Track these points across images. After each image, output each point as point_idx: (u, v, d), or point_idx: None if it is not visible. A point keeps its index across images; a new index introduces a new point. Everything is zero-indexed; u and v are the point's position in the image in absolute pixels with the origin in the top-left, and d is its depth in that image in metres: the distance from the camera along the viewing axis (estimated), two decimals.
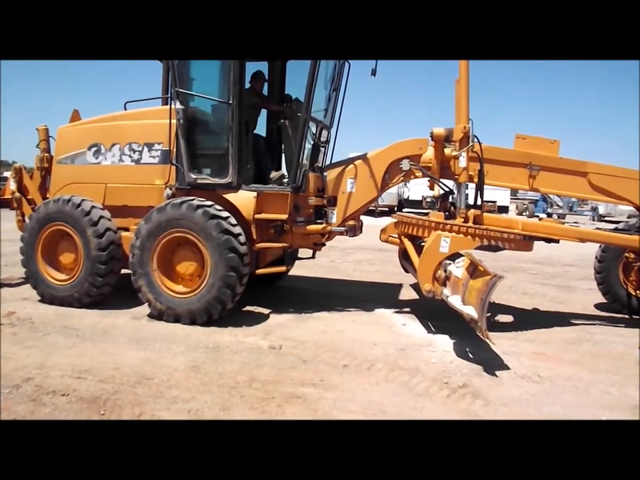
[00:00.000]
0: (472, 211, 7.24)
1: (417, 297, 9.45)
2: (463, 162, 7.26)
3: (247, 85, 8.06)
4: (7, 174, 40.03)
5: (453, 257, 6.92)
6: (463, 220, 7.18)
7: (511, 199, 43.90)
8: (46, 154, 9.45)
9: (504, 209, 38.47)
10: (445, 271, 6.75)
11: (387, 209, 31.76)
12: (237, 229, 7.08)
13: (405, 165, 7.79)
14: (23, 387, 5.07)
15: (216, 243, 6.93)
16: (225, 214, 7.10)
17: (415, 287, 9.96)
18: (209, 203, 7.16)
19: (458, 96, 7.36)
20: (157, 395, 4.98)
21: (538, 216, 32.26)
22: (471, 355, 6.31)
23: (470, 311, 5.86)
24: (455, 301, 6.32)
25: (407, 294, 9.74)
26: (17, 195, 9.42)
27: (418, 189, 31.88)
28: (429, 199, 32.12)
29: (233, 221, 7.12)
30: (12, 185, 9.52)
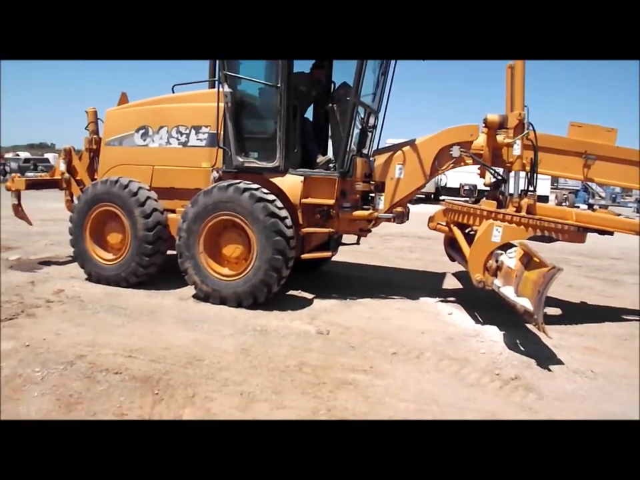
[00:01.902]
0: (525, 200, 7.09)
1: (461, 286, 9.37)
2: (517, 150, 7.10)
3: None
4: (47, 155, 40.87)
5: (504, 247, 6.81)
6: (515, 209, 7.04)
7: (551, 188, 43.15)
8: (94, 136, 9.56)
9: (544, 199, 37.76)
10: (497, 261, 6.65)
11: (423, 196, 31.54)
12: (284, 212, 7.07)
13: (455, 151, 7.68)
14: (77, 364, 5.15)
15: (262, 225, 6.93)
16: (271, 197, 7.10)
17: (459, 275, 9.91)
18: (256, 186, 7.16)
19: (513, 82, 7.22)
20: (209, 376, 5.02)
21: (578, 206, 31.75)
22: (520, 347, 6.22)
23: (525, 303, 5.77)
24: (508, 292, 6.23)
25: (451, 283, 9.65)
26: (66, 175, 9.55)
27: (456, 176, 31.51)
28: (466, 187, 31.75)
29: (280, 204, 7.11)
30: (61, 166, 9.65)
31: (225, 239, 7.41)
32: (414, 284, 9.26)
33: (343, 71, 8.59)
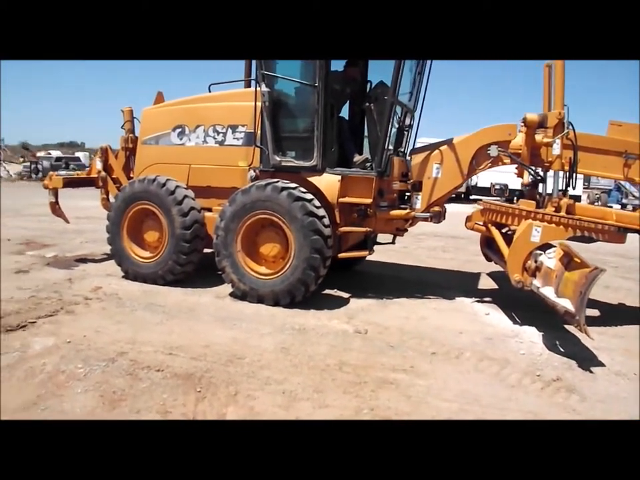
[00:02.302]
0: (564, 200, 7.00)
1: (497, 287, 9.29)
2: (557, 149, 7.02)
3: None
4: (78, 154, 41.18)
5: (543, 247, 6.74)
6: (554, 209, 6.96)
7: (583, 188, 42.57)
8: (130, 134, 9.65)
9: (576, 199, 37.20)
10: (536, 262, 6.58)
11: (453, 196, 31.31)
12: (321, 212, 7.06)
13: (493, 150, 7.60)
14: (119, 361, 5.20)
15: (300, 225, 6.93)
16: (309, 196, 7.09)
17: (494, 275, 9.83)
18: (294, 185, 7.16)
19: (551, 81, 7.15)
20: (250, 374, 5.03)
21: (611, 206, 31.29)
22: (560, 348, 6.14)
23: (566, 304, 5.70)
24: (548, 292, 6.16)
25: (486, 283, 9.56)
26: (103, 174, 9.66)
27: (486, 175, 31.20)
28: (497, 186, 31.41)
29: (317, 203, 7.11)
30: (98, 164, 9.75)
31: (262, 238, 7.43)
32: (449, 284, 9.19)
33: (378, 70, 8.61)
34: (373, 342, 6.09)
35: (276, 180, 7.24)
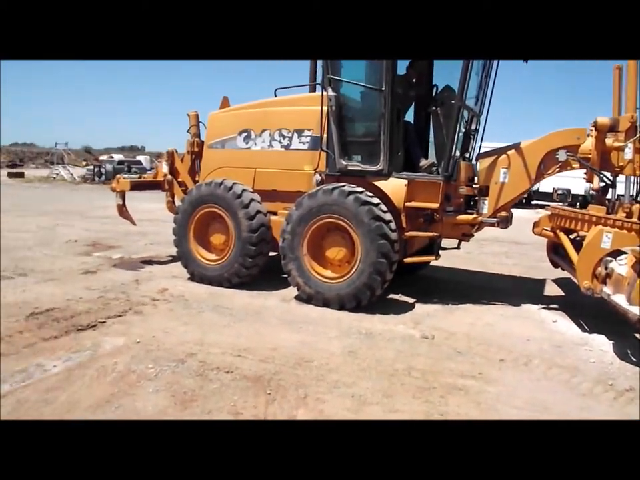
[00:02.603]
0: (636, 205, 6.82)
1: (563, 293, 9.11)
2: (629, 153, 6.83)
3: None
4: (139, 157, 41.97)
5: (614, 253, 6.57)
6: (626, 215, 6.78)
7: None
8: (196, 138, 9.80)
9: None
10: (606, 268, 6.41)
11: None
12: (388, 216, 7.04)
13: (562, 155, 7.45)
14: (188, 362, 5.27)
15: (367, 229, 6.92)
16: (375, 200, 7.08)
17: (559, 282, 9.66)
18: (360, 189, 7.16)
19: (621, 83, 6.99)
20: (319, 378, 5.03)
21: None
22: (632, 357, 5.99)
23: (638, 312, 5.56)
24: (619, 300, 6.00)
25: (552, 290, 9.38)
26: (169, 177, 9.83)
27: (549, 180, 30.54)
28: (560, 191, 30.86)
29: (384, 207, 7.09)
30: (164, 168, 9.93)
31: (328, 242, 7.45)
32: (514, 290, 9.06)
33: (443, 74, 8.57)
34: (440, 347, 6.05)
35: (342, 184, 7.25)
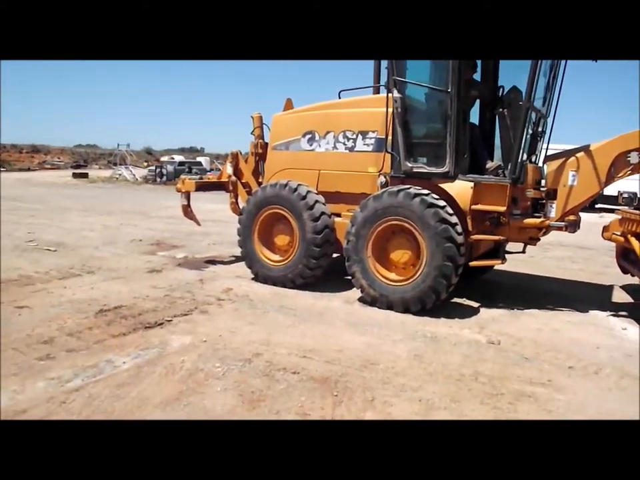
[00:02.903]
0: None
1: (632, 300, 8.86)
2: None
3: None
4: (199, 159, 42.54)
5: None
6: None
7: None
8: (260, 140, 9.86)
9: None
10: None
11: None
12: (454, 219, 6.96)
13: (634, 157, 7.24)
14: (255, 362, 5.32)
15: (433, 232, 6.87)
16: (442, 203, 7.01)
17: (628, 289, 9.39)
18: (426, 191, 7.11)
19: None
20: (385, 381, 5.02)
21: None
22: None
23: None
24: None
25: (620, 296, 9.11)
26: (233, 178, 9.92)
27: (613, 183, 29.43)
28: (625, 195, 30.00)
29: (450, 210, 7.02)
30: (228, 169, 10.04)
31: (392, 244, 7.42)
32: (580, 296, 8.85)
33: (508, 75, 8.44)
34: (506, 353, 5.96)
35: (408, 186, 7.21)
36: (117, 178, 42.07)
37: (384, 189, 7.37)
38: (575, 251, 13.78)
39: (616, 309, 8.11)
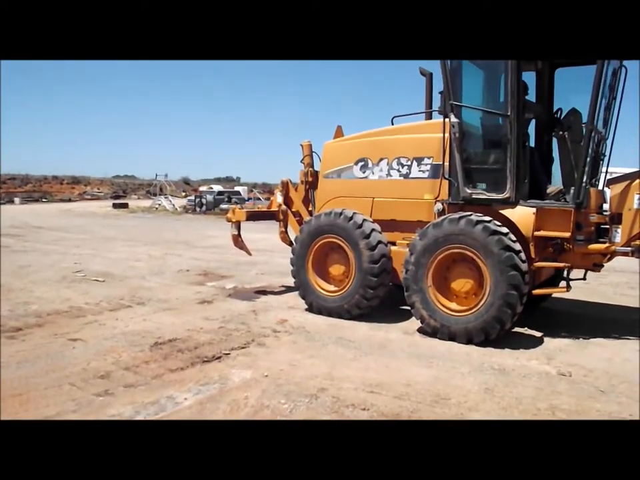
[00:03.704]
0: None
1: None
2: None
3: None
4: (237, 188, 42.76)
5: None
6: None
7: None
8: (310, 168, 9.78)
9: None
10: None
11: None
12: (518, 246, 6.76)
13: None
14: (321, 398, 5.14)
15: (497, 260, 6.66)
16: (505, 230, 6.82)
17: None
18: (488, 218, 6.91)
19: None
20: (459, 416, 4.82)
21: None
22: None
23: None
24: None
25: None
26: (283, 207, 9.84)
27: None
28: None
29: (513, 237, 6.82)
30: (279, 198, 9.97)
31: (453, 273, 7.22)
32: None
33: (563, 97, 8.29)
34: (579, 385, 5.70)
35: (469, 213, 7.02)
36: (157, 208, 42.50)
37: (444, 217, 7.19)
38: (630, 276, 13.38)
39: None
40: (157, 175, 55.00)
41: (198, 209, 38.44)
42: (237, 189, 49.92)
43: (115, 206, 43.13)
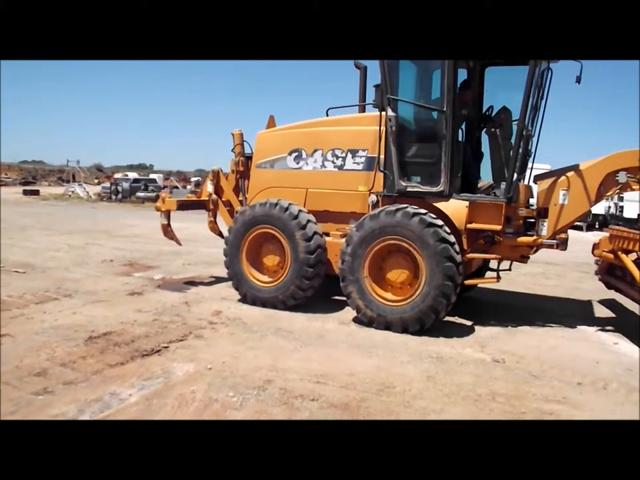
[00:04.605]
0: None
1: (614, 315, 9.00)
2: None
3: None
4: (153, 176, 41.76)
5: None
6: None
7: None
8: (241, 158, 9.70)
9: None
10: None
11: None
12: (452, 238, 6.95)
13: (622, 177, 7.35)
14: (269, 390, 5.14)
15: (433, 251, 6.83)
16: (440, 222, 7.00)
17: (607, 303, 9.58)
18: (424, 211, 7.08)
19: None
20: (406, 404, 4.93)
21: None
22: None
23: None
24: None
25: (602, 311, 9.25)
26: (214, 197, 9.73)
27: (633, 205, 28.67)
28: None
29: (448, 229, 7.00)
30: (209, 187, 9.84)
31: (389, 264, 7.35)
32: (564, 311, 8.96)
33: (494, 94, 8.54)
34: (514, 371, 5.95)
35: (405, 205, 7.16)
36: (70, 195, 41.15)
37: (381, 208, 7.30)
38: (545, 267, 13.94)
39: (602, 323, 8.23)
40: (68, 161, 53.47)
41: (113, 197, 37.40)
42: (152, 176, 48.93)
43: (25, 192, 41.41)
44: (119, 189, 37.45)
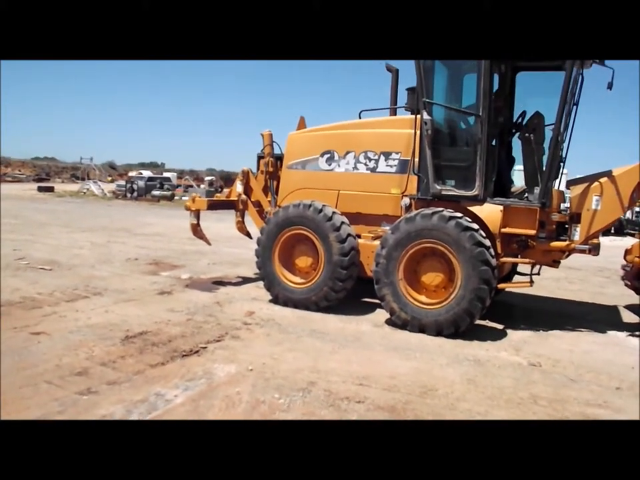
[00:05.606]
0: None
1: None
2: None
3: None
4: (167, 174, 41.78)
5: None
6: None
7: None
8: (270, 158, 9.76)
9: None
10: None
11: None
12: (488, 242, 6.99)
13: None
14: (314, 392, 5.18)
15: (469, 255, 6.87)
16: (475, 226, 7.04)
17: (633, 309, 9.59)
18: (459, 214, 7.12)
19: None
20: (450, 407, 4.98)
21: None
22: None
23: None
24: None
25: (629, 316, 9.26)
26: (243, 197, 9.78)
27: None
28: None
29: (483, 233, 7.04)
30: (239, 187, 9.90)
31: (424, 267, 7.40)
32: (591, 316, 9.00)
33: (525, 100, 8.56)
34: (551, 375, 5.99)
35: (441, 209, 7.20)
36: (85, 193, 41.38)
37: (417, 211, 7.34)
38: (567, 272, 13.93)
39: (630, 329, 8.26)
40: (81, 159, 53.63)
41: (129, 195, 37.61)
42: (166, 174, 49.04)
43: (40, 189, 41.68)
44: (134, 187, 37.61)
